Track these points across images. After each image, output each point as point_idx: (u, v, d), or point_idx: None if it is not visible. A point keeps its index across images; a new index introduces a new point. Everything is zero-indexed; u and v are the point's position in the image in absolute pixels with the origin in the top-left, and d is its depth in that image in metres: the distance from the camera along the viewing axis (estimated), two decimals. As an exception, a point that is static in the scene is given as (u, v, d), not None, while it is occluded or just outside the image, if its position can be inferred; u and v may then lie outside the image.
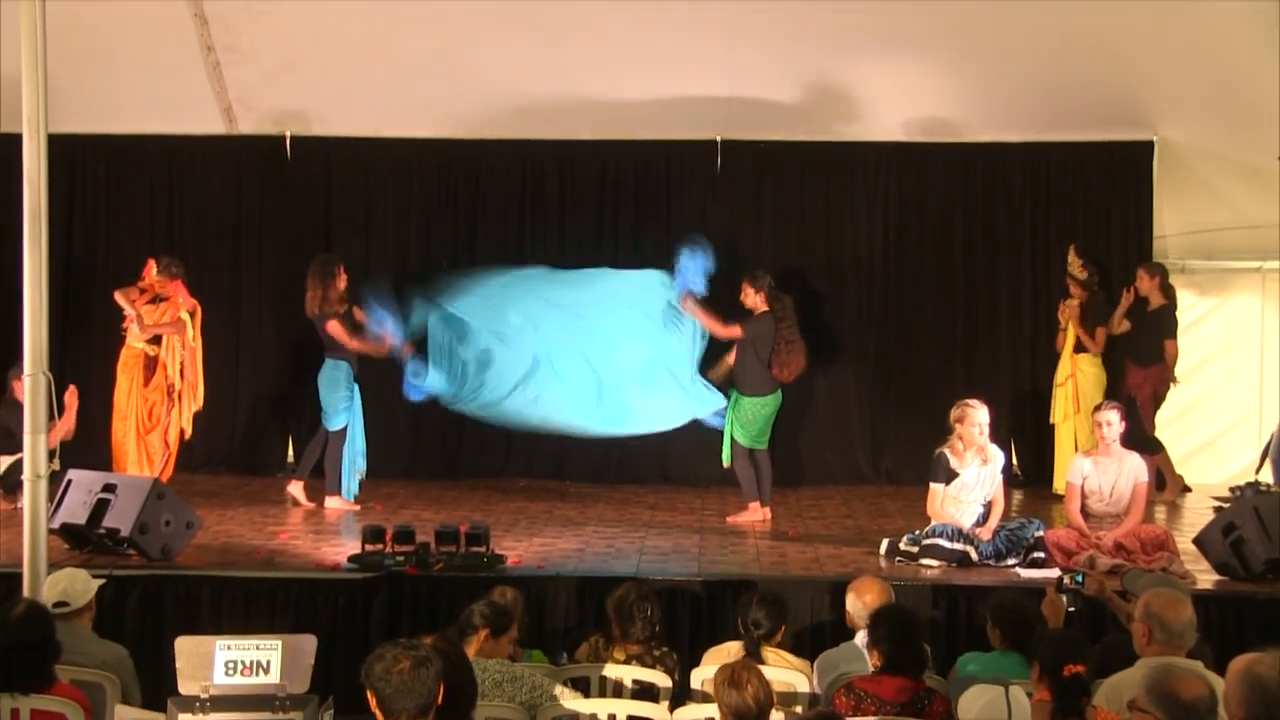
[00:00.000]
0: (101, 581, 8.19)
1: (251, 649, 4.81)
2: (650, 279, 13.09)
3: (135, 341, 13.30)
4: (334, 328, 12.82)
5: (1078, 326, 13.98)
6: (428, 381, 12.77)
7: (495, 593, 8.33)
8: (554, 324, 12.98)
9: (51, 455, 8.34)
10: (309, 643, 4.95)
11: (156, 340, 13.31)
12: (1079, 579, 8.82)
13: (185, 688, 4.76)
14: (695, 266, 12.84)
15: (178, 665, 4.76)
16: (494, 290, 13.09)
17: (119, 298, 13.28)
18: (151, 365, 13.34)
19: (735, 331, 12.78)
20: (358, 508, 12.87)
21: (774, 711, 6.53)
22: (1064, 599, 8.56)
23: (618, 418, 12.98)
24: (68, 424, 12.73)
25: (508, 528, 12.00)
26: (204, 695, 4.73)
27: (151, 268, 13.41)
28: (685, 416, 13.01)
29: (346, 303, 12.97)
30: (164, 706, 8.50)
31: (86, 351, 14.73)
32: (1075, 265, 14.08)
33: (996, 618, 7.88)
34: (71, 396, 12.77)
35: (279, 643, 4.81)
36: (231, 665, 4.79)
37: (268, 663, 4.81)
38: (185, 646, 4.81)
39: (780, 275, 13.51)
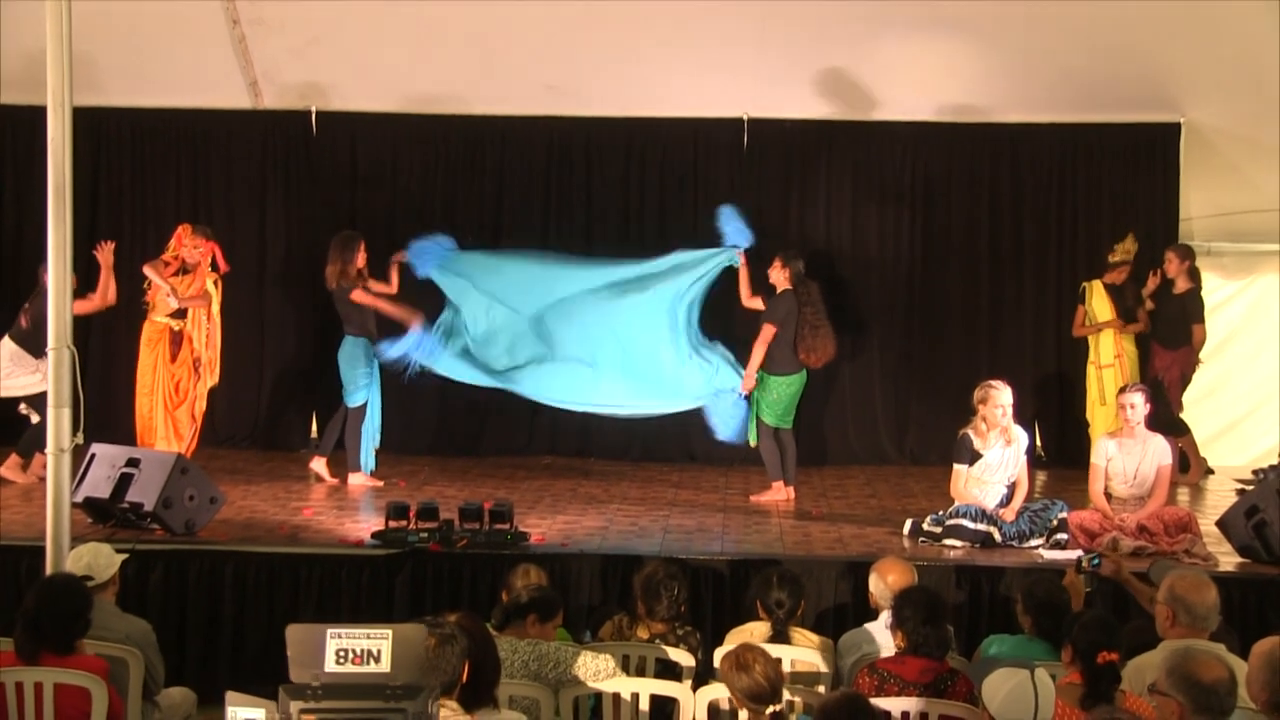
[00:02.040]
0: (125, 556, 8.22)
1: (362, 638, 4.83)
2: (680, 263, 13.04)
3: (159, 316, 13.22)
4: (359, 295, 12.84)
5: (1115, 309, 13.87)
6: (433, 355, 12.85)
7: (519, 572, 8.34)
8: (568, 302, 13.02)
9: (77, 427, 8.34)
10: (419, 633, 5.00)
11: (181, 314, 13.24)
12: (1095, 561, 8.82)
13: (296, 675, 4.79)
14: (737, 227, 12.85)
15: (289, 653, 4.80)
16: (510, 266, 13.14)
17: (149, 272, 13.17)
18: (177, 340, 13.26)
19: (757, 303, 12.79)
20: (381, 484, 12.88)
21: (789, 692, 6.54)
22: (1083, 580, 8.55)
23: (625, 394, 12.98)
24: (108, 286, 12.79)
25: (531, 505, 12.02)
26: (315, 683, 4.77)
27: (180, 237, 13.34)
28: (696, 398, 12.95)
29: (364, 278, 12.97)
30: (186, 682, 8.58)
31: (111, 325, 14.75)
32: (1135, 250, 13.99)
33: (1029, 605, 7.85)
34: (105, 254, 12.83)
35: (389, 632, 4.84)
36: (342, 654, 4.81)
37: (378, 652, 4.84)
38: (296, 634, 4.84)
39: (805, 254, 13.49)
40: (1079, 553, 10.10)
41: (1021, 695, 5.71)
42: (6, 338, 12.65)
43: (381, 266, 13.25)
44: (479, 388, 13.24)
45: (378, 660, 4.88)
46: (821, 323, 12.64)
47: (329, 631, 4.88)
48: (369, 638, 4.90)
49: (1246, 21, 13.07)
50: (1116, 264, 13.98)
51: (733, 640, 8.06)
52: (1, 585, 9.80)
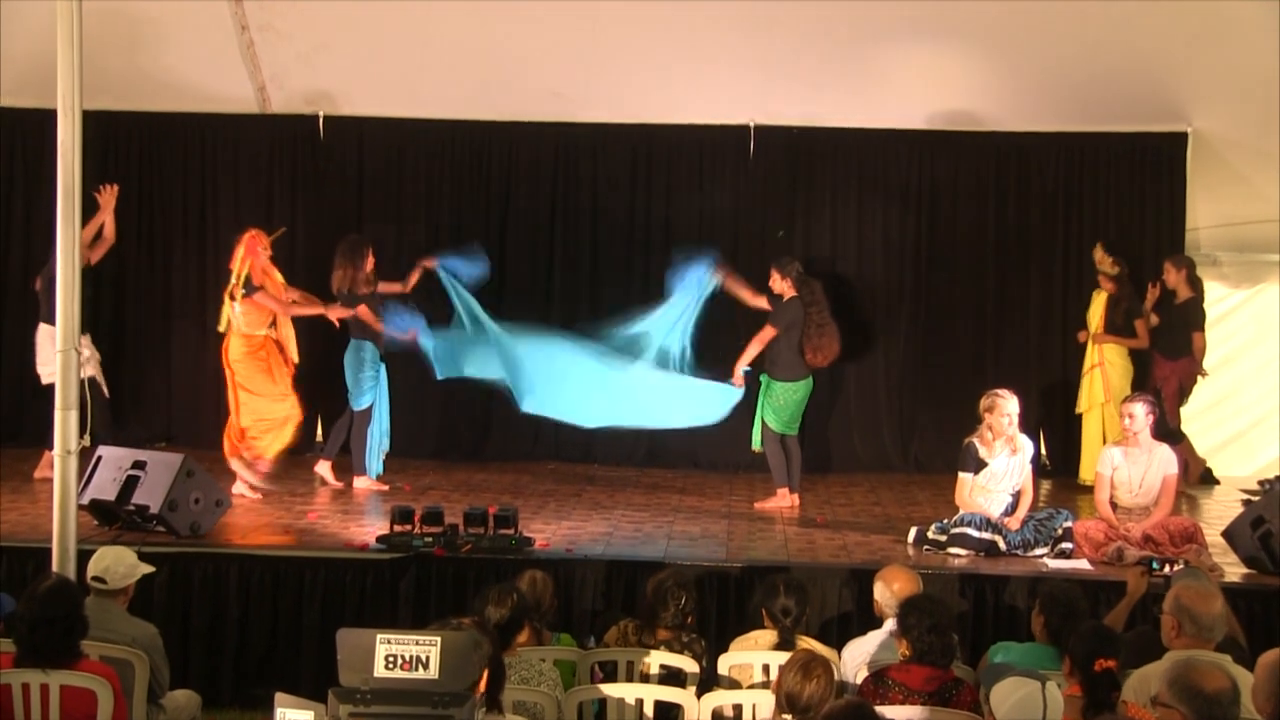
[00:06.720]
0: (150, 569, 8.21)
1: (411, 644, 4.91)
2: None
3: (253, 329, 12.74)
4: (364, 312, 12.82)
5: (1104, 319, 13.93)
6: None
7: (526, 578, 8.33)
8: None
9: (83, 427, 8.33)
10: (468, 641, 5.07)
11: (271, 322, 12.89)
12: (1172, 567, 8.88)
13: (346, 679, 4.87)
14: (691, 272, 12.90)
15: (339, 657, 4.89)
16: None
17: (268, 301, 12.67)
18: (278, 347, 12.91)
19: (762, 302, 12.84)
20: (386, 488, 12.89)
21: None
22: (1149, 583, 8.65)
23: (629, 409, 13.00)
24: (102, 220, 12.70)
25: (536, 510, 12.04)
26: (364, 687, 4.84)
27: (254, 242, 12.65)
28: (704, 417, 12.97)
29: (374, 284, 12.99)
30: (190, 685, 8.59)
31: (120, 328, 14.81)
32: (1105, 262, 14.00)
33: (1045, 605, 7.79)
34: (107, 197, 12.81)
35: (438, 639, 4.92)
36: (391, 659, 4.89)
37: (426, 658, 4.91)
38: (346, 638, 4.92)
39: (811, 261, 13.54)
40: (1084, 563, 10.19)
41: (1030, 705, 5.69)
42: (41, 324, 12.54)
43: (394, 268, 13.24)
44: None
45: (426, 667, 4.95)
46: (827, 321, 12.63)
47: (379, 636, 4.95)
48: (418, 644, 4.96)
49: (1254, 30, 13.04)
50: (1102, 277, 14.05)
51: (738, 647, 8.08)
52: (9, 587, 9.79)
